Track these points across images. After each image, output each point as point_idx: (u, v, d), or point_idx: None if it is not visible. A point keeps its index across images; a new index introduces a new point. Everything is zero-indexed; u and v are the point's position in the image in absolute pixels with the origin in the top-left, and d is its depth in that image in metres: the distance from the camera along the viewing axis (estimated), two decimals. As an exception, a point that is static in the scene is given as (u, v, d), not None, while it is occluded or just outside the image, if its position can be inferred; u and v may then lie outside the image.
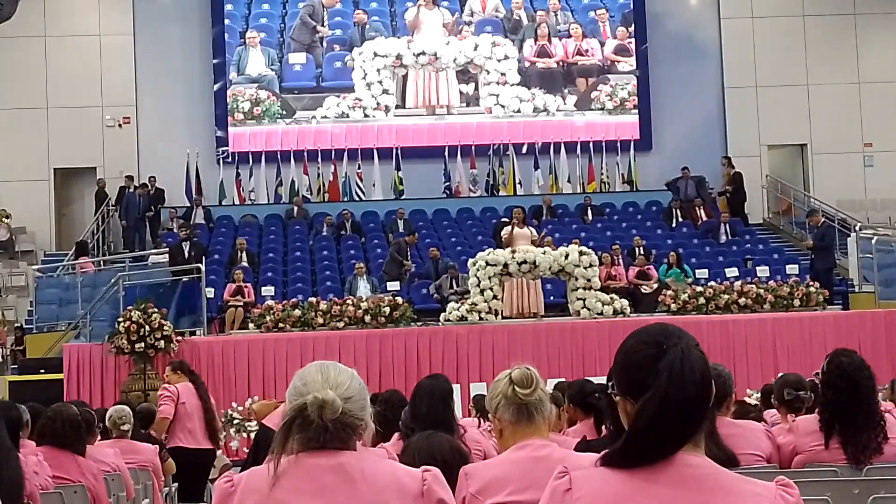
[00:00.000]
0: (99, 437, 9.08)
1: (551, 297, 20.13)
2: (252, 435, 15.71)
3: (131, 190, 26.47)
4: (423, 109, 28.73)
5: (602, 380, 6.20)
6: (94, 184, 27.46)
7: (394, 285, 20.87)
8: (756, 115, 28.46)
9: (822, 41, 28.62)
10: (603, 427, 6.39)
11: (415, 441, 5.08)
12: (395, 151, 27.62)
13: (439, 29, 28.92)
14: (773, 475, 2.69)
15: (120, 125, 27.88)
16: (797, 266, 21.43)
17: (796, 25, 28.77)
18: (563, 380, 12.50)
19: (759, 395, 13.02)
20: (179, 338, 17.18)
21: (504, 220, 24.93)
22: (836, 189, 27.30)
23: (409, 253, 23.18)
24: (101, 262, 22.78)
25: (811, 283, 19.07)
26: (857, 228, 21.52)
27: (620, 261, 22.36)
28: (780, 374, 8.19)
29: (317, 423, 3.01)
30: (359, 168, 27.70)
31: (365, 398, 3.12)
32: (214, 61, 28.54)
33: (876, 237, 20.74)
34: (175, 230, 25.12)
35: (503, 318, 18.23)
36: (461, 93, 28.86)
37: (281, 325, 17.96)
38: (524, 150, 28.11)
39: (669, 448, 2.59)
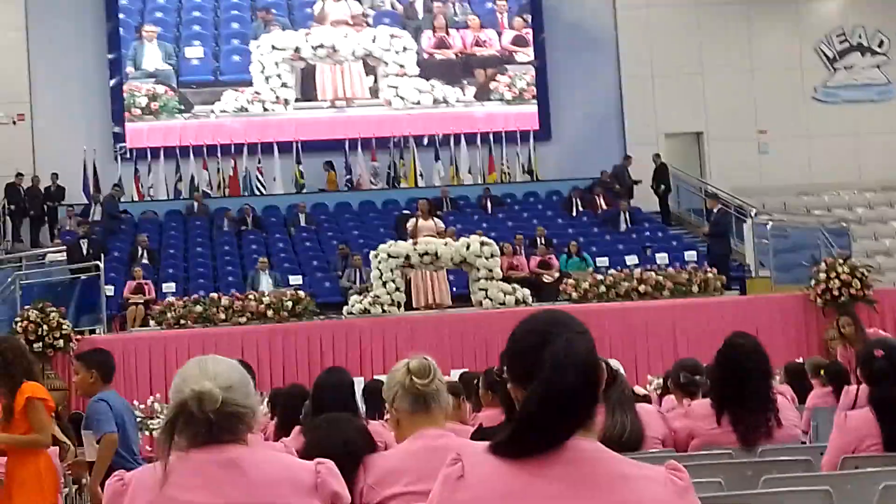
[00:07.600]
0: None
1: (454, 289, 20.12)
2: (154, 433, 15.59)
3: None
4: (324, 102, 28.60)
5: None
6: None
7: (296, 279, 20.78)
8: (653, 104, 28.72)
9: (717, 29, 28.96)
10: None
11: (318, 425, 4.90)
12: (295, 145, 27.47)
13: (345, 21, 28.80)
14: (668, 459, 2.73)
15: (14, 122, 27.37)
16: (695, 253, 21.70)
17: (690, 14, 29.08)
18: (467, 370, 12.57)
19: (660, 381, 13.20)
20: (79, 336, 16.94)
21: (406, 212, 24.93)
22: (731, 176, 27.64)
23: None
24: (-2, 261, 22.38)
25: (709, 269, 19.34)
26: (752, 214, 21.83)
27: (522, 251, 22.47)
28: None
29: (199, 417, 3.00)
30: (259, 162, 27.51)
31: (248, 386, 3.10)
32: (110, 56, 28.16)
33: (771, 223, 21.08)
34: (73, 227, 24.76)
35: (412, 309, 18.23)
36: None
37: (182, 321, 17.81)
38: (425, 141, 28.11)
39: (556, 437, 2.58)
